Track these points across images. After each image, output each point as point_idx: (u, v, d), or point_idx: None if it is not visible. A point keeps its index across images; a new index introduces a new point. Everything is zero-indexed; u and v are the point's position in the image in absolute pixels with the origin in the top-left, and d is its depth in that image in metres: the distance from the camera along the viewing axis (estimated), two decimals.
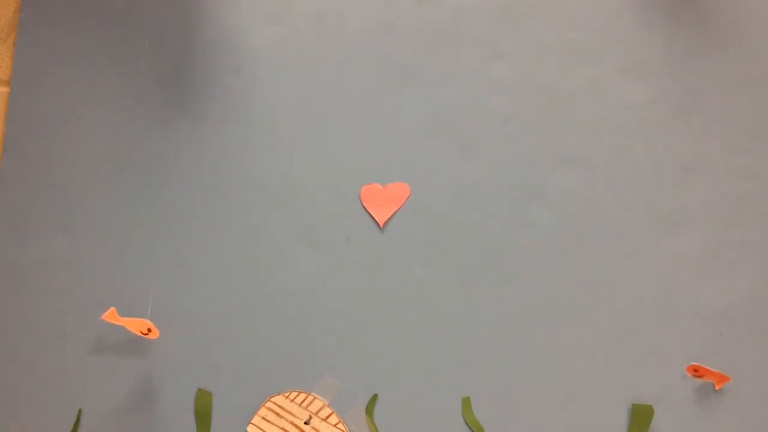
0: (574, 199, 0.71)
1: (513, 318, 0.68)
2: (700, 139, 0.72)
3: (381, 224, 0.71)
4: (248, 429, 0.66)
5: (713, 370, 0.64)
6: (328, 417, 0.66)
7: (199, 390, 0.67)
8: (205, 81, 0.75)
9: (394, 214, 0.71)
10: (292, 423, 0.66)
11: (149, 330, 0.66)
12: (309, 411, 0.66)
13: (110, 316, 0.64)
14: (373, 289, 0.70)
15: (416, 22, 0.76)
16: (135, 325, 0.66)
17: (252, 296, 0.70)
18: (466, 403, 0.66)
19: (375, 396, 0.67)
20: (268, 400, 0.67)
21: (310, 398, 0.67)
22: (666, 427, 0.65)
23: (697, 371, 0.65)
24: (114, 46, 0.76)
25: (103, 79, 0.75)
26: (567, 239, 0.70)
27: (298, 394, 0.67)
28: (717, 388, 0.65)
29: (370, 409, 0.67)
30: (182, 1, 0.77)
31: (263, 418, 0.66)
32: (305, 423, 0.66)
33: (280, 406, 0.67)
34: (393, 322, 0.69)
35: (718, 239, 0.69)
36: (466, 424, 0.66)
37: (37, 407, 0.68)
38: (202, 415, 0.67)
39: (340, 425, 0.66)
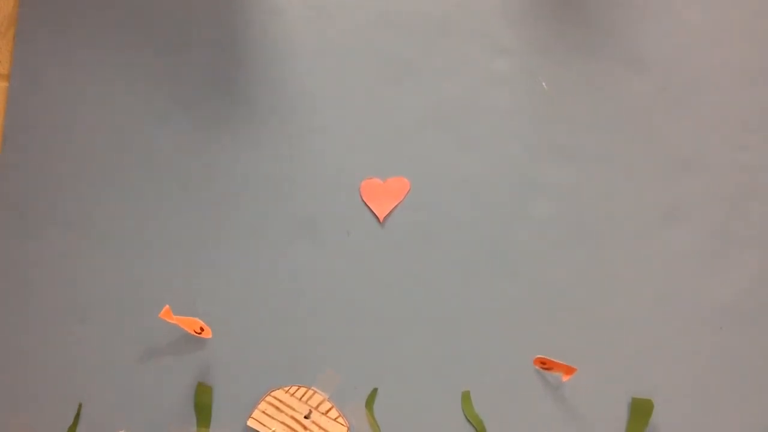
0: (574, 193, 0.71)
1: (513, 312, 0.68)
2: (701, 134, 0.72)
3: (381, 219, 0.71)
4: (248, 423, 0.66)
5: (559, 362, 0.64)
6: (328, 411, 0.66)
7: (199, 384, 0.67)
8: (205, 75, 0.75)
9: (394, 208, 0.71)
10: (293, 417, 0.66)
11: (202, 329, 0.66)
12: (309, 405, 0.67)
13: (165, 314, 0.64)
14: (373, 283, 0.70)
15: (416, 15, 0.76)
16: (188, 324, 0.66)
17: (252, 290, 0.70)
18: (466, 397, 0.66)
19: (375, 390, 0.67)
20: (268, 395, 0.67)
21: (310, 392, 0.67)
22: (666, 421, 0.65)
23: (544, 363, 0.65)
24: (114, 41, 0.76)
25: (103, 74, 0.75)
26: (567, 233, 0.70)
27: (298, 389, 0.67)
28: (564, 380, 0.66)
29: (369, 403, 0.67)
30: None
31: (263, 412, 0.66)
32: (305, 417, 0.66)
33: (280, 401, 0.67)
34: (393, 316, 0.69)
35: (718, 233, 0.69)
36: (466, 418, 0.66)
37: (37, 401, 0.68)
38: (203, 408, 0.67)
39: (340, 419, 0.66)
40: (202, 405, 0.67)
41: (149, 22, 0.76)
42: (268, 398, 0.67)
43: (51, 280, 0.71)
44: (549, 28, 0.75)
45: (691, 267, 0.69)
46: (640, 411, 0.65)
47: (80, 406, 0.68)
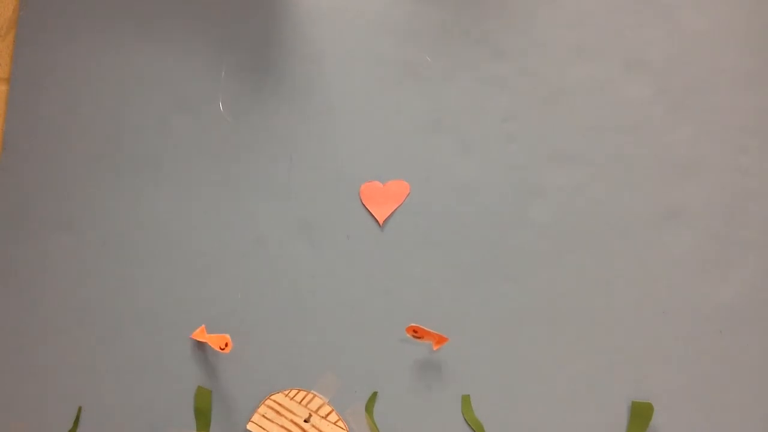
0: (574, 196, 0.71)
1: (512, 315, 0.68)
2: (700, 137, 0.72)
3: (381, 222, 0.71)
4: (248, 427, 0.66)
5: (431, 330, 0.65)
6: (327, 415, 0.66)
7: (199, 387, 0.67)
8: (204, 77, 0.75)
9: (393, 212, 0.71)
10: (292, 421, 0.66)
11: (226, 344, 0.66)
12: (309, 409, 0.66)
13: (198, 334, 0.65)
14: (372, 286, 0.70)
15: (416, 18, 0.76)
16: (215, 340, 0.66)
17: (251, 293, 0.70)
18: (466, 401, 0.66)
19: (375, 393, 0.67)
20: (268, 398, 0.67)
21: (310, 396, 0.67)
22: (665, 425, 0.65)
23: (416, 332, 0.66)
24: (113, 43, 0.76)
25: (103, 76, 0.75)
26: (566, 237, 0.70)
27: (297, 392, 0.67)
28: (435, 348, 0.67)
29: (369, 407, 0.67)
30: None
31: (263, 416, 0.66)
32: (305, 421, 0.66)
33: (279, 404, 0.67)
34: (392, 320, 0.69)
35: (718, 237, 0.69)
36: (466, 422, 0.66)
37: (37, 404, 0.68)
38: (202, 412, 0.67)
39: (340, 423, 0.66)
40: (202, 409, 0.67)
41: (148, 24, 0.76)
42: (268, 402, 0.67)
43: (51, 282, 0.71)
44: (548, 31, 0.75)
45: (691, 270, 0.69)
46: (640, 414, 0.65)
47: (80, 409, 0.68)
